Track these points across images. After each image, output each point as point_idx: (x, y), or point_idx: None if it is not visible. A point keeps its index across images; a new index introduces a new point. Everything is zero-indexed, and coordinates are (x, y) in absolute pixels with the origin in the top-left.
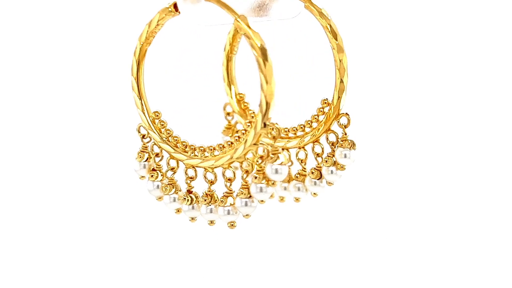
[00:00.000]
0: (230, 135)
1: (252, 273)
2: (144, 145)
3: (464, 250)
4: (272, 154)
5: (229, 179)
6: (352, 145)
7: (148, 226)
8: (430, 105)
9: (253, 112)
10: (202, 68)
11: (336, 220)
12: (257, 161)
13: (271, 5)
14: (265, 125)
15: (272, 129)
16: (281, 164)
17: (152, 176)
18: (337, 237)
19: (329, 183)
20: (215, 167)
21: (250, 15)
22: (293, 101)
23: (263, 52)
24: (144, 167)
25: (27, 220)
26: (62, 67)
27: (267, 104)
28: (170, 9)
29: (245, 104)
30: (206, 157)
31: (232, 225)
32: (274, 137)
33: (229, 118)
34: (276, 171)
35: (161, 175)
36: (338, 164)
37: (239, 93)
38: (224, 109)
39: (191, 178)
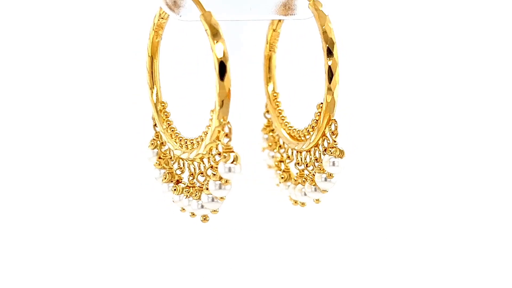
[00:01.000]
0: (268, 133)
1: (250, 274)
2: (156, 134)
3: (467, 258)
4: (225, 152)
5: (201, 173)
6: (340, 153)
7: (154, 222)
8: (432, 108)
9: (281, 111)
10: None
11: (337, 223)
12: (214, 159)
13: (295, 4)
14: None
15: (222, 128)
16: (233, 163)
17: (158, 164)
18: (337, 240)
19: (323, 191)
20: (192, 160)
21: (277, 13)
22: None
23: (219, 50)
24: (156, 154)
25: (33, 215)
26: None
27: (221, 102)
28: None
29: (277, 103)
30: (187, 149)
31: (204, 219)
32: (226, 135)
33: (268, 116)
34: (229, 170)
35: (165, 163)
36: (327, 172)
37: (273, 92)
38: (266, 107)
39: (180, 168)
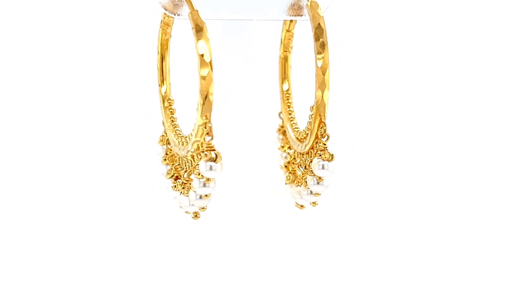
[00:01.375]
0: (283, 134)
1: (250, 273)
2: (165, 130)
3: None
4: (206, 151)
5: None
6: (329, 156)
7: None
8: (431, 108)
9: (291, 112)
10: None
11: (337, 223)
12: (198, 156)
13: (302, 5)
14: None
15: (205, 126)
16: (213, 161)
17: (165, 160)
18: (337, 241)
19: (315, 194)
20: (186, 157)
21: (287, 14)
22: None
23: (202, 48)
24: (164, 151)
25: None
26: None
27: (204, 99)
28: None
29: (288, 103)
30: (182, 146)
31: (195, 215)
32: (207, 134)
33: (282, 116)
34: (210, 168)
35: (169, 159)
36: (317, 175)
37: (287, 92)
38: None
39: (179, 165)
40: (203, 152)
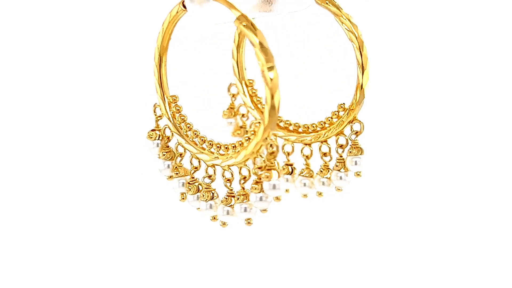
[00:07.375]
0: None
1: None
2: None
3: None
4: (267, 170)
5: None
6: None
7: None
8: (445, 110)
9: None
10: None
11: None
12: (255, 172)
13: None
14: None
15: (271, 145)
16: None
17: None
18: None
19: (338, 189)
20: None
21: (257, 9)
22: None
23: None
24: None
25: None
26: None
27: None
28: (181, 7)
29: (254, 90)
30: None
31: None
32: (272, 153)
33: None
34: (274, 187)
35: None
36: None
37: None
38: (229, 90)
39: (195, 168)
40: (260, 168)
